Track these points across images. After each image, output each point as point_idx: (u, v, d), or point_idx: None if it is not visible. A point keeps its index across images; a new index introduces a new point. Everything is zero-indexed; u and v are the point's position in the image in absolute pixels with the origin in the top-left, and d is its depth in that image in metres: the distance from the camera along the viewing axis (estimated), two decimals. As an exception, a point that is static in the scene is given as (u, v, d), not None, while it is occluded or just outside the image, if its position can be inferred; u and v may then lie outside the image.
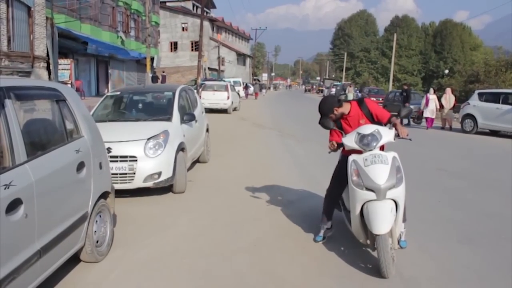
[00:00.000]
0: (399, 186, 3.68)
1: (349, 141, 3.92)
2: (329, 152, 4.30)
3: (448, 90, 17.95)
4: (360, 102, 4.21)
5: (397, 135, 3.97)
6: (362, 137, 3.83)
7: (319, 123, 4.15)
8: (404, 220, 4.07)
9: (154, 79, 34.28)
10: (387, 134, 3.87)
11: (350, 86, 37.79)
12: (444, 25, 74.21)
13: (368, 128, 3.89)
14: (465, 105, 16.17)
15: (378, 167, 3.66)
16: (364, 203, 3.70)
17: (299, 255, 4.12)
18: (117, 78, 29.36)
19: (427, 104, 17.09)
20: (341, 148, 4.19)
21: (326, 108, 4.12)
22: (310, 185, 6.72)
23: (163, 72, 38.58)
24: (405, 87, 19.30)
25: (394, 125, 3.98)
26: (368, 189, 3.65)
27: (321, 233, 4.43)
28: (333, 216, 4.42)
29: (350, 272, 3.77)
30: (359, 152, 3.86)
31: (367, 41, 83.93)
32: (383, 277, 3.58)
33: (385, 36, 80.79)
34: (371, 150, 3.79)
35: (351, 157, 3.85)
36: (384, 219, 3.55)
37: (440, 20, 77.89)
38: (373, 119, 4.09)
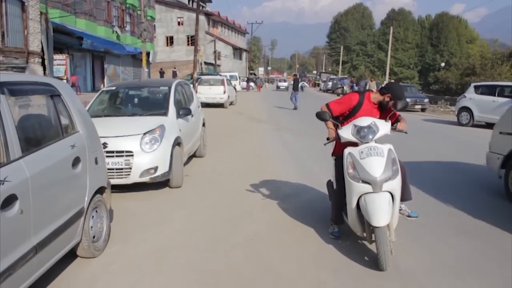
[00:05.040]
0: (395, 178, 3.67)
1: (346, 133, 3.91)
2: (325, 144, 4.32)
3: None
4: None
5: (394, 128, 3.99)
6: (359, 129, 3.81)
7: (316, 114, 4.12)
8: (410, 199, 4.23)
9: (161, 74, 36.08)
10: (383, 127, 3.87)
11: (372, 80, 31.40)
12: (440, 18, 74.16)
13: (365, 121, 3.88)
14: (461, 98, 16.21)
15: (374, 159, 3.65)
16: (361, 196, 3.70)
17: (295, 249, 4.13)
18: (113, 73, 29.21)
19: None
20: (332, 150, 4.31)
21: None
22: (306, 179, 6.73)
23: (174, 68, 39.05)
24: (294, 77, 25.40)
25: (399, 120, 4.09)
26: (364, 181, 3.65)
27: (337, 228, 4.37)
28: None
29: (347, 265, 3.79)
30: (354, 144, 3.86)
31: (363, 35, 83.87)
32: (381, 269, 3.58)
33: (381, 30, 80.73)
34: (367, 142, 3.78)
35: (347, 150, 3.84)
36: (383, 211, 3.56)
37: (436, 13, 77.90)
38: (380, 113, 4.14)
